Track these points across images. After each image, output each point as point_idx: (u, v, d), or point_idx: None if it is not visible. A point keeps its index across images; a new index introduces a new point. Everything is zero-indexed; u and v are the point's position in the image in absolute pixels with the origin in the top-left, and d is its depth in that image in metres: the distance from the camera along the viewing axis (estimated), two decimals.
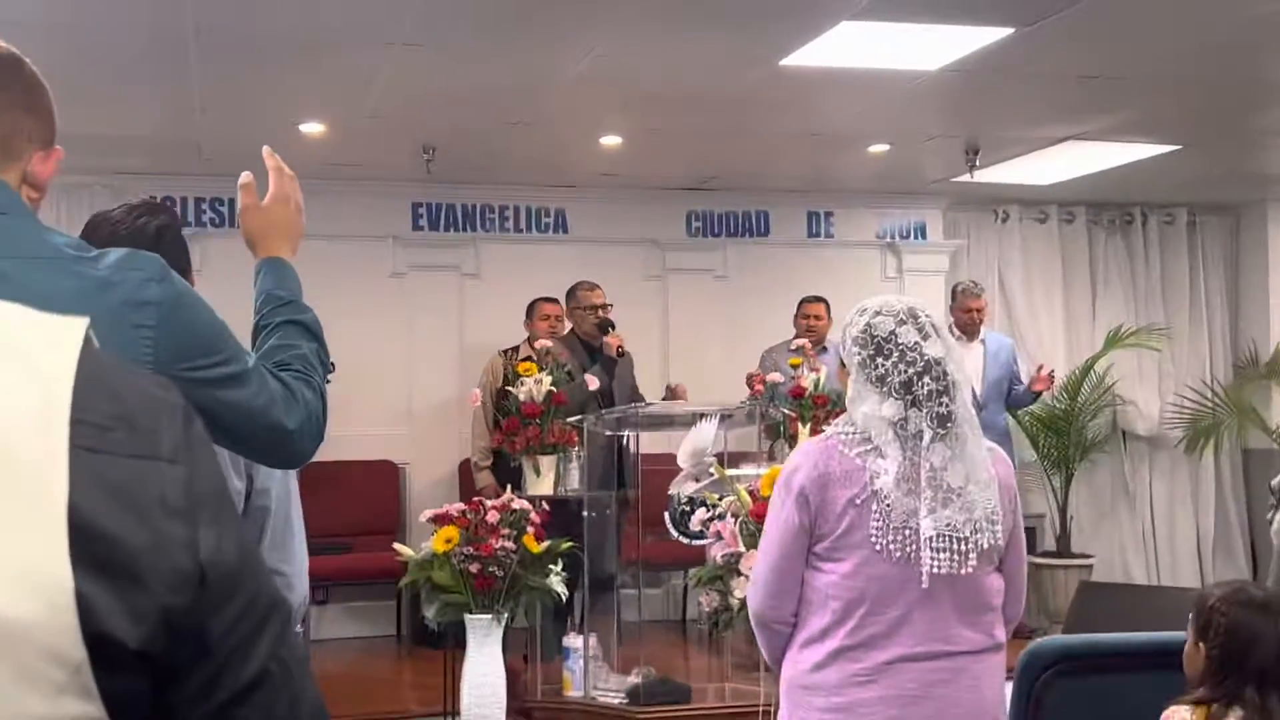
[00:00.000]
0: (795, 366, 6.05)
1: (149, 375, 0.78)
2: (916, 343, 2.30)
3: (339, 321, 7.23)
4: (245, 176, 1.88)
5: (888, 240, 8.31)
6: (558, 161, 7.06)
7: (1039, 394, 7.00)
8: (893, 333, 2.31)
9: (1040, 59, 5.01)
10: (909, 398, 2.28)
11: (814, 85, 5.36)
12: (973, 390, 6.81)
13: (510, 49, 4.78)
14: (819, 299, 7.05)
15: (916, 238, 8.35)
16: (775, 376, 5.98)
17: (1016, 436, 7.60)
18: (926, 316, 2.34)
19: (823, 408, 5.76)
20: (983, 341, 7.03)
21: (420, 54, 4.80)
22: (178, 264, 1.69)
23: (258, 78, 5.11)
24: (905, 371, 2.28)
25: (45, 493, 0.66)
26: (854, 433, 2.31)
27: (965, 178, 7.12)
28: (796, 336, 6.71)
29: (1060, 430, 7.88)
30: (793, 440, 5.28)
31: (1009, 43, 4.73)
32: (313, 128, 6.03)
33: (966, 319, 6.98)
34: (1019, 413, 7.65)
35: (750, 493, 3.86)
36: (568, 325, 6.40)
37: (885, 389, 2.29)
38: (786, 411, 5.52)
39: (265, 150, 1.91)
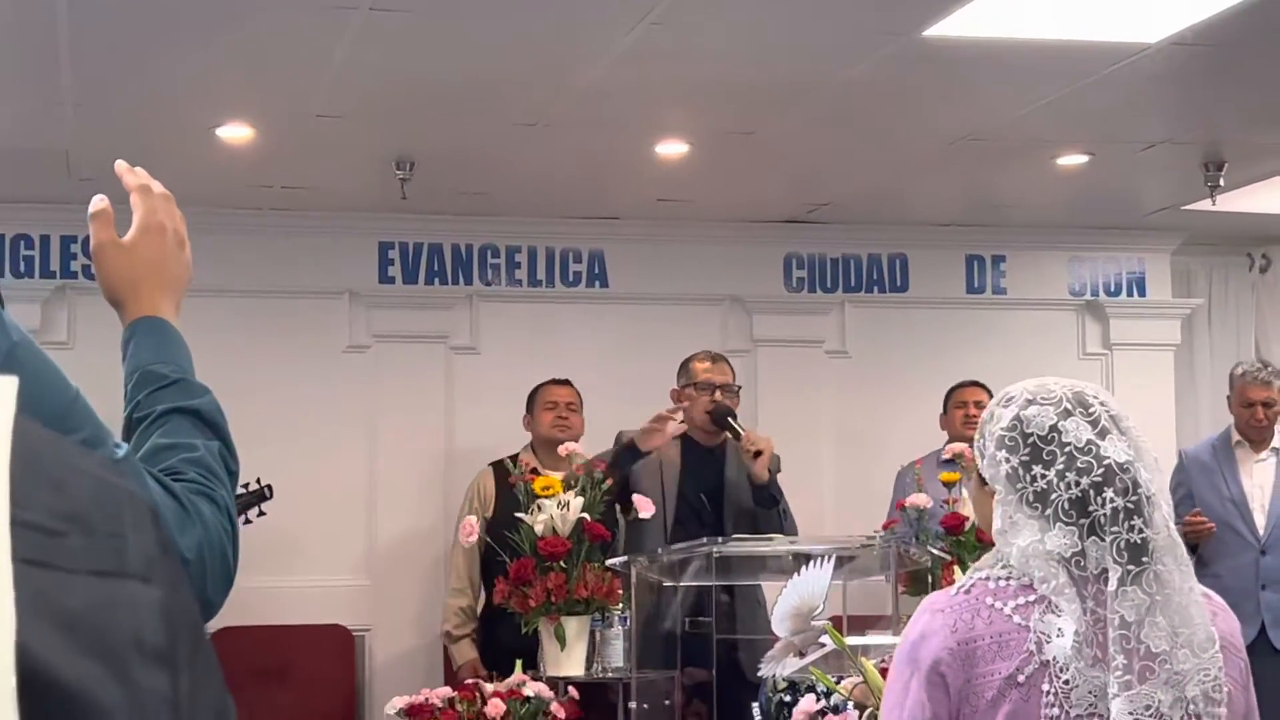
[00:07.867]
0: (949, 485, 6.01)
1: (93, 454, 0.78)
2: (1090, 441, 2.32)
3: (268, 419, 7.34)
4: (97, 201, 1.91)
5: (1088, 297, 8.30)
6: (593, 182, 7.13)
7: None
8: (1054, 429, 2.34)
9: None
10: (1084, 522, 2.30)
11: (973, 66, 5.40)
12: (1254, 526, 6.72)
13: (524, 14, 4.86)
14: (977, 384, 7.01)
15: (1132, 293, 8.33)
16: (920, 499, 5.95)
17: None
18: (1100, 404, 2.37)
19: (992, 547, 5.71)
20: (1276, 450, 6.87)
21: (394, 23, 4.89)
22: None
23: (154, 59, 5.22)
24: (1078, 483, 2.30)
25: None
26: (1007, 578, 2.33)
27: (1205, 204, 7.11)
28: (950, 441, 6.67)
29: None
30: None
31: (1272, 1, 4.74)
32: (235, 132, 6.14)
33: (1250, 418, 6.79)
34: None
35: (884, 672, 3.82)
36: (574, 421, 6.50)
37: (1049, 511, 2.31)
38: (936, 553, 5.47)
39: (119, 166, 1.95)
